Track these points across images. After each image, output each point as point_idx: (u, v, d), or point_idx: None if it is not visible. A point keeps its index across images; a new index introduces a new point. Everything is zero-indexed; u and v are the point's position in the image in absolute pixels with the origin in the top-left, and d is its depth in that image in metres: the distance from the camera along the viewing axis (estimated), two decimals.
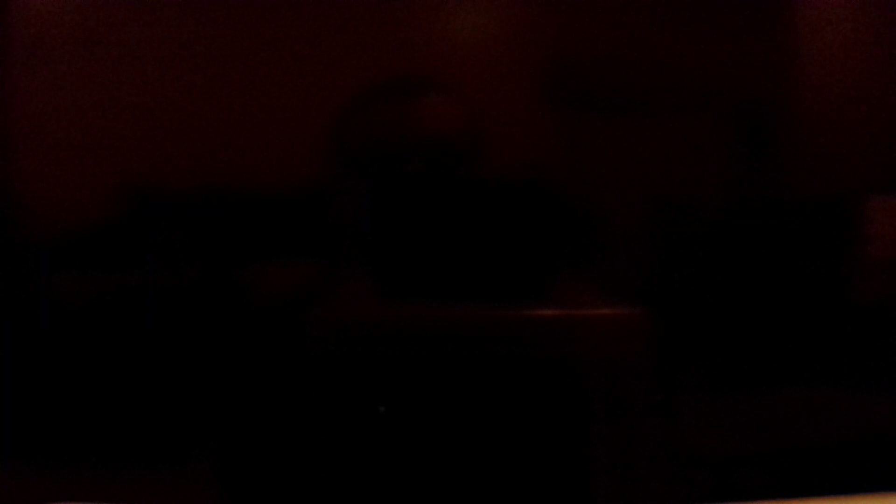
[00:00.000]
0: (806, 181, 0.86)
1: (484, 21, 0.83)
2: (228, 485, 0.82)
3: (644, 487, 0.83)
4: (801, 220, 0.87)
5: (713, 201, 0.85)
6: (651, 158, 0.84)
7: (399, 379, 0.80)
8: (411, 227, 0.80)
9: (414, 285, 0.80)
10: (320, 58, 0.80)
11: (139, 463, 0.81)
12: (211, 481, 0.81)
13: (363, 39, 0.80)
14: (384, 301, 0.80)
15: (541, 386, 0.81)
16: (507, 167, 0.82)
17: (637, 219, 0.84)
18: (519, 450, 0.81)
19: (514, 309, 0.80)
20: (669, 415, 0.85)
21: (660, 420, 0.84)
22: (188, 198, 0.80)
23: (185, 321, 0.81)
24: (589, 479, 0.82)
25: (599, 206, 0.84)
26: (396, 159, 0.81)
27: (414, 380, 0.80)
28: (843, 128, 0.86)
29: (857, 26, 0.87)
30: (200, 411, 0.81)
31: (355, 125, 0.80)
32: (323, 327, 0.80)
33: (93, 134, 0.79)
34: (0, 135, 0.79)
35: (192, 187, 0.80)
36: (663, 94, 0.84)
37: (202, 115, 0.79)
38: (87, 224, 0.81)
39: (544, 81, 0.82)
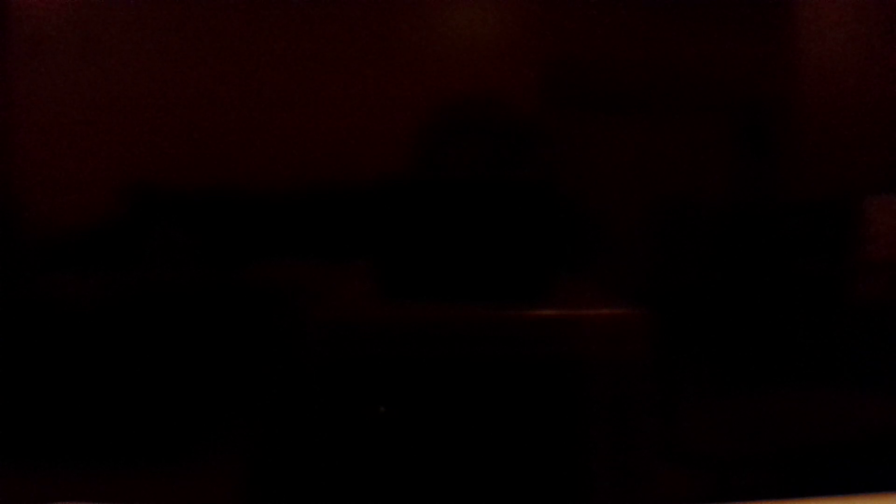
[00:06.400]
0: (806, 181, 0.87)
1: (483, 20, 0.83)
2: (229, 484, 0.82)
3: (644, 487, 0.83)
4: (801, 220, 0.87)
5: (713, 201, 0.85)
6: (651, 158, 0.84)
7: (399, 379, 0.80)
8: (411, 227, 0.80)
9: (415, 286, 0.80)
10: (316, 56, 0.80)
11: (139, 463, 0.81)
12: (211, 481, 0.81)
13: (359, 37, 0.80)
14: (385, 301, 0.80)
15: (541, 386, 0.81)
16: (508, 167, 0.82)
17: (637, 219, 0.84)
18: (519, 450, 0.81)
19: (514, 309, 0.80)
20: (669, 415, 0.85)
21: (660, 420, 0.84)
22: (189, 197, 0.80)
23: (186, 320, 0.81)
24: (589, 479, 0.82)
25: (600, 206, 0.84)
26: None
27: (414, 380, 0.80)
28: (842, 128, 0.86)
29: (857, 26, 0.87)
30: (201, 411, 0.81)
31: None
32: (324, 327, 0.80)
33: (93, 133, 0.79)
34: (0, 134, 0.79)
35: (192, 186, 0.80)
36: (664, 94, 0.84)
37: (202, 114, 0.79)
38: (88, 223, 0.81)
39: (545, 81, 0.82)
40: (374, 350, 0.79)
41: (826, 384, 0.87)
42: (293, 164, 0.80)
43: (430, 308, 0.80)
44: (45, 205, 0.80)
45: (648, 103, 0.84)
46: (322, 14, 0.80)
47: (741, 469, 0.86)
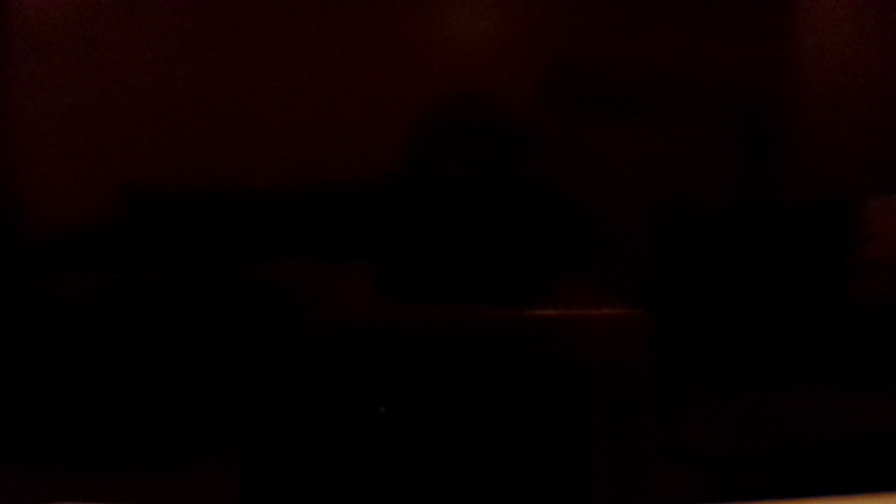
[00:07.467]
0: (805, 181, 0.87)
1: (483, 20, 0.83)
2: (229, 484, 0.82)
3: (644, 487, 0.83)
4: (800, 220, 0.87)
5: (713, 201, 0.85)
6: (651, 158, 0.84)
7: (399, 379, 0.80)
8: (412, 227, 0.80)
9: (415, 286, 0.80)
10: (315, 56, 0.80)
11: (139, 463, 0.81)
12: (211, 481, 0.81)
13: (358, 36, 0.80)
14: (385, 301, 0.80)
15: (541, 386, 0.81)
16: (508, 167, 0.82)
17: (637, 219, 0.84)
18: (519, 450, 0.81)
19: (514, 309, 0.80)
20: (669, 415, 0.85)
21: (660, 420, 0.84)
22: (188, 198, 0.80)
23: (186, 321, 0.81)
24: (589, 479, 0.82)
25: (600, 206, 0.84)
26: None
27: (414, 380, 0.80)
28: (842, 128, 0.86)
29: (857, 26, 0.87)
30: (201, 411, 0.81)
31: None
32: (324, 327, 0.80)
33: (93, 133, 0.79)
34: (0, 134, 0.79)
35: (192, 187, 0.80)
36: (664, 94, 0.84)
37: (202, 114, 0.79)
38: (88, 223, 0.81)
39: (545, 81, 0.82)
40: (374, 350, 0.79)
41: (826, 384, 0.87)
42: (292, 164, 0.80)
43: (430, 308, 0.80)
44: (45, 205, 0.80)
45: (648, 103, 0.84)
46: (321, 14, 0.80)
47: (741, 469, 0.86)
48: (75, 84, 0.79)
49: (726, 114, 0.86)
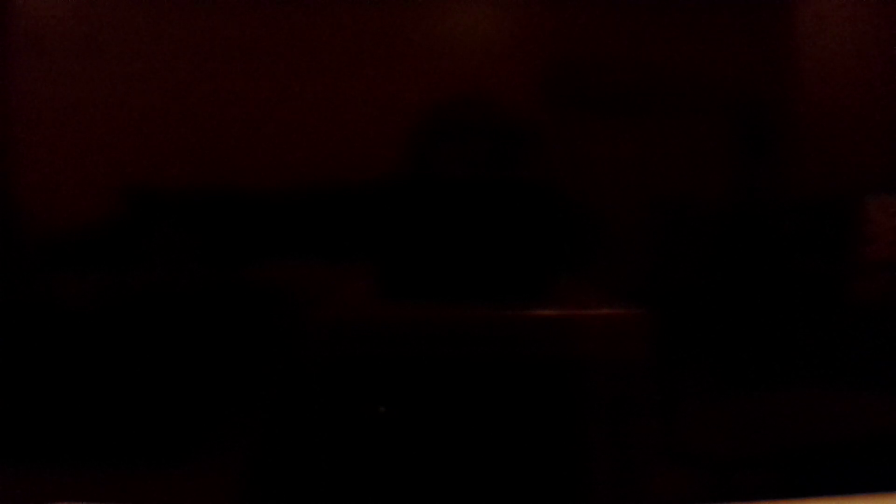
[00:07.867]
0: (805, 181, 0.87)
1: (483, 20, 0.83)
2: (229, 484, 0.82)
3: (644, 487, 0.83)
4: (801, 220, 0.87)
5: (713, 201, 0.85)
6: (651, 158, 0.84)
7: (399, 379, 0.80)
8: (412, 227, 0.80)
9: (415, 286, 0.80)
10: (316, 56, 0.80)
11: (139, 463, 0.81)
12: (211, 481, 0.81)
13: (358, 37, 0.80)
14: (384, 301, 0.80)
15: (541, 386, 0.81)
16: (508, 168, 0.82)
17: (637, 219, 0.84)
18: (519, 450, 0.81)
19: (514, 309, 0.80)
20: (669, 415, 0.85)
21: (660, 420, 0.84)
22: (188, 197, 0.80)
23: (186, 321, 0.81)
24: (589, 479, 0.82)
25: (600, 206, 0.84)
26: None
27: (414, 380, 0.80)
28: (842, 128, 0.86)
29: (857, 26, 0.87)
30: (201, 411, 0.81)
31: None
32: (324, 327, 0.80)
33: (93, 133, 0.79)
34: (0, 134, 0.79)
35: (192, 187, 0.80)
36: (663, 94, 0.84)
37: (201, 114, 0.79)
38: (88, 223, 0.81)
39: (544, 82, 0.82)
40: (374, 350, 0.79)
41: (826, 384, 0.87)
42: (293, 164, 0.80)
43: (430, 308, 0.80)
44: (46, 205, 0.80)
45: (649, 103, 0.84)
46: (321, 14, 0.80)
47: (741, 469, 0.86)
48: (76, 83, 0.79)
49: (726, 114, 0.86)
